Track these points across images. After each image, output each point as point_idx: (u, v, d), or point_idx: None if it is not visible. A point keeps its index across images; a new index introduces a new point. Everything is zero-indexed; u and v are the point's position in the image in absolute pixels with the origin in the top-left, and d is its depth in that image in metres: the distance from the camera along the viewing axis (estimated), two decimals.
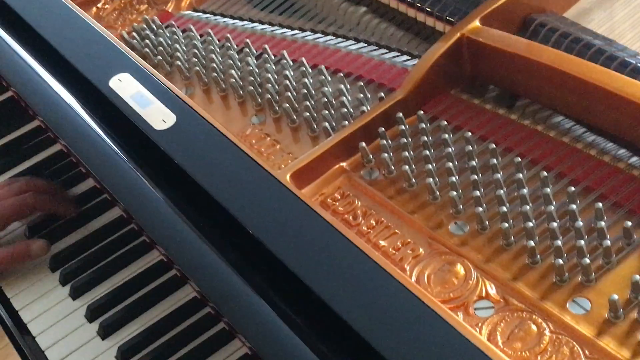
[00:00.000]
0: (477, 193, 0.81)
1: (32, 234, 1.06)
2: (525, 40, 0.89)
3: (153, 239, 0.92)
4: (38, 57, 1.06)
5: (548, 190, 0.79)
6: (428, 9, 1.02)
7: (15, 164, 1.19)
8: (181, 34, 1.12)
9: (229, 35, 1.08)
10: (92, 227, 1.06)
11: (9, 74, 1.10)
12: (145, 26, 1.14)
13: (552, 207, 0.78)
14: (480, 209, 0.80)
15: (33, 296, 1.01)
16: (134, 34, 1.13)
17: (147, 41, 1.11)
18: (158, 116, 0.89)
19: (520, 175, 0.81)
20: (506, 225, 0.78)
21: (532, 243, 0.76)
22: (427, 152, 0.86)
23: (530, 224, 0.77)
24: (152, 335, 0.94)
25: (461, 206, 0.82)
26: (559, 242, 0.75)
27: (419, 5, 1.03)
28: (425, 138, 0.88)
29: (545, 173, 0.80)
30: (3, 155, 1.22)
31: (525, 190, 0.80)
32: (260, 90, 1.00)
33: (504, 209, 0.79)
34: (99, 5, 1.20)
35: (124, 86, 0.93)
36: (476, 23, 0.92)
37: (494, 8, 0.93)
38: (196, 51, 1.07)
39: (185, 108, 0.90)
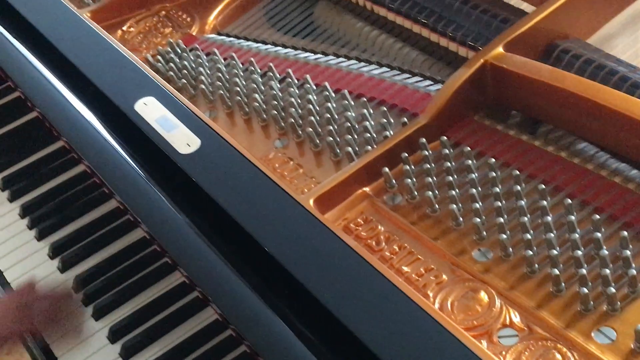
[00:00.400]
0: (501, 220, 0.81)
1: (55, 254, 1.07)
2: (548, 67, 0.90)
3: (176, 261, 0.92)
4: (64, 79, 1.08)
5: (572, 218, 0.79)
6: (451, 34, 1.03)
7: (39, 184, 1.21)
8: (205, 57, 1.14)
9: (252, 59, 1.10)
10: (114, 248, 1.07)
11: (36, 95, 1.12)
12: (169, 49, 1.16)
13: (577, 235, 0.78)
14: (504, 236, 0.80)
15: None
16: (159, 57, 1.15)
17: (171, 64, 1.12)
18: (183, 140, 0.90)
19: (544, 203, 0.81)
20: (530, 252, 0.78)
21: (556, 271, 0.76)
22: (450, 178, 0.87)
23: (555, 251, 0.77)
24: (173, 357, 0.94)
25: (485, 233, 0.82)
26: (584, 271, 0.75)
27: (442, 30, 1.04)
28: (449, 164, 0.88)
29: (569, 200, 0.81)
30: (27, 175, 1.23)
31: (549, 218, 0.80)
32: (283, 114, 1.02)
33: (528, 236, 0.79)
34: (124, 28, 1.22)
35: (150, 110, 0.95)
36: (500, 49, 0.93)
37: (517, 34, 0.93)
38: (220, 75, 1.08)
39: (210, 132, 0.91)
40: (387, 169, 0.89)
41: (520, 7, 1.04)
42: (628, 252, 0.75)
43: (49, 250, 1.11)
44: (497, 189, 0.84)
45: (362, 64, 1.08)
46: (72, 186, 1.19)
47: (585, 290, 0.74)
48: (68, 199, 1.18)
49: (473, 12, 1.03)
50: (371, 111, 0.98)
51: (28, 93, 1.14)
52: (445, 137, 0.91)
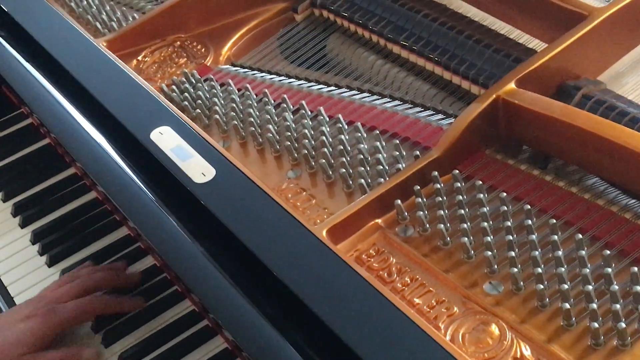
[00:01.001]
0: (512, 253, 0.83)
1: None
2: (560, 104, 0.92)
3: (189, 289, 0.94)
4: (81, 107, 1.11)
5: (583, 252, 0.81)
6: (463, 72, 1.06)
7: (50, 211, 1.23)
8: (219, 87, 1.16)
9: (266, 90, 1.12)
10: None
11: (52, 122, 1.14)
12: (184, 79, 1.18)
13: (587, 270, 0.79)
14: (515, 269, 0.82)
15: None
16: (174, 86, 1.17)
17: (186, 94, 1.15)
18: (198, 169, 0.92)
19: (555, 237, 0.83)
20: (541, 286, 0.80)
21: (567, 305, 0.78)
22: (462, 211, 0.88)
23: (566, 286, 0.79)
24: None
25: (496, 266, 0.84)
26: (594, 305, 0.77)
27: (455, 68, 1.07)
28: (460, 197, 0.90)
29: (580, 235, 0.82)
30: (39, 202, 1.26)
31: (560, 252, 0.82)
32: (296, 145, 1.04)
33: (539, 270, 0.81)
34: (139, 57, 1.24)
35: (165, 139, 0.97)
36: (512, 85, 0.95)
37: (529, 71, 0.96)
38: (234, 105, 1.11)
39: (225, 162, 0.93)
40: (399, 201, 0.91)
41: (529, 45, 1.07)
42: (639, 288, 0.77)
43: (60, 276, 1.13)
44: (509, 223, 0.86)
45: (375, 96, 1.11)
46: (84, 213, 1.22)
47: (596, 324, 0.75)
48: (79, 225, 1.20)
49: (485, 51, 1.06)
50: (384, 144, 1.00)
51: (44, 120, 1.17)
52: (457, 171, 0.93)
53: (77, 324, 1.02)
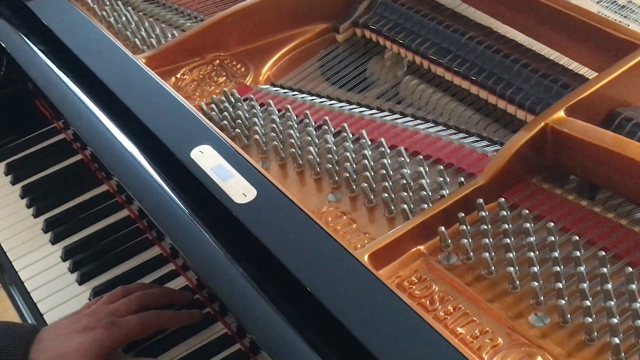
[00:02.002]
0: (559, 285, 0.84)
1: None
2: (611, 133, 0.94)
3: (229, 310, 0.95)
4: (120, 123, 1.13)
5: (633, 286, 0.82)
6: (509, 97, 1.08)
7: (82, 228, 1.26)
8: (259, 108, 1.19)
9: (307, 111, 1.15)
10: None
11: (90, 137, 1.17)
12: (224, 98, 1.21)
13: (638, 305, 0.81)
14: (562, 301, 0.83)
15: None
16: (213, 105, 1.20)
17: (225, 113, 1.18)
18: (239, 189, 0.95)
19: (604, 270, 0.84)
20: (589, 320, 0.81)
21: (616, 340, 0.79)
22: (508, 240, 0.90)
23: (615, 320, 0.80)
24: None
25: (542, 297, 0.85)
26: None
27: (500, 92, 1.09)
28: (506, 226, 0.92)
29: (630, 269, 0.84)
30: (69, 219, 1.29)
31: (609, 285, 0.83)
32: (337, 168, 1.06)
33: (587, 303, 0.82)
34: (178, 75, 1.28)
35: (205, 158, 1.00)
36: (561, 113, 0.97)
37: (579, 99, 0.98)
38: (274, 125, 1.14)
39: (266, 183, 0.96)
40: (442, 228, 0.93)
41: (579, 71, 1.09)
42: None
43: (90, 295, 1.16)
44: (556, 254, 0.87)
45: (418, 121, 1.13)
46: (116, 231, 1.24)
47: None
48: (111, 243, 1.23)
49: (533, 75, 1.08)
50: (427, 169, 1.02)
51: (83, 135, 1.20)
52: (503, 199, 0.95)
53: (137, 338, 1.04)
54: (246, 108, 1.19)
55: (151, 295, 1.07)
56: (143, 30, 1.36)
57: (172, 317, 1.06)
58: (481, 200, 0.94)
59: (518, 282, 0.87)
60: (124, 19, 1.40)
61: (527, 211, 0.93)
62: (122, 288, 1.09)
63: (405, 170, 1.02)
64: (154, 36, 1.34)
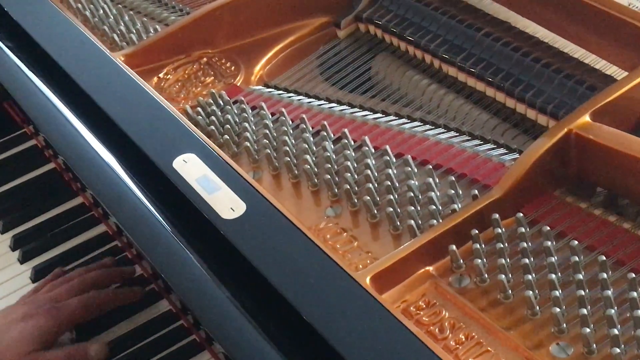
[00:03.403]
0: (584, 311, 0.84)
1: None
2: None
3: (214, 338, 0.95)
4: (94, 129, 1.14)
5: None
6: (529, 100, 1.07)
7: (54, 245, 1.26)
8: (250, 111, 1.19)
9: (304, 115, 1.15)
10: (139, 319, 1.12)
11: (61, 143, 1.18)
12: (211, 101, 1.21)
13: None
14: (588, 329, 0.82)
15: None
16: (199, 109, 1.20)
17: (213, 118, 1.18)
18: (226, 203, 0.95)
19: (635, 294, 0.84)
20: (617, 350, 0.81)
21: None
22: (527, 261, 0.90)
23: None
24: None
25: (565, 325, 0.85)
26: None
27: (520, 95, 1.09)
28: (525, 244, 0.91)
29: None
30: (40, 235, 1.29)
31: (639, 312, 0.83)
32: (337, 179, 1.06)
33: (615, 331, 0.82)
34: (161, 75, 1.28)
35: (189, 168, 1.00)
36: (586, 118, 0.97)
37: (606, 102, 0.97)
38: (267, 131, 1.14)
39: (256, 196, 0.96)
40: (454, 247, 0.92)
41: (607, 71, 1.09)
42: None
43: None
44: (580, 276, 0.87)
45: (427, 126, 1.13)
46: (92, 249, 1.24)
47: None
48: (87, 263, 1.22)
49: (555, 76, 1.08)
50: (437, 180, 1.02)
51: (52, 141, 1.20)
52: (521, 214, 0.94)
53: (82, 321, 1.09)
54: (236, 112, 1.19)
55: (91, 279, 1.12)
56: (122, 24, 1.37)
57: (114, 295, 1.12)
58: (497, 215, 0.94)
59: (538, 308, 0.87)
60: (100, 12, 1.40)
61: (549, 228, 0.92)
62: (59, 279, 1.14)
63: (412, 182, 1.02)
64: (134, 31, 1.35)
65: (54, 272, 1.17)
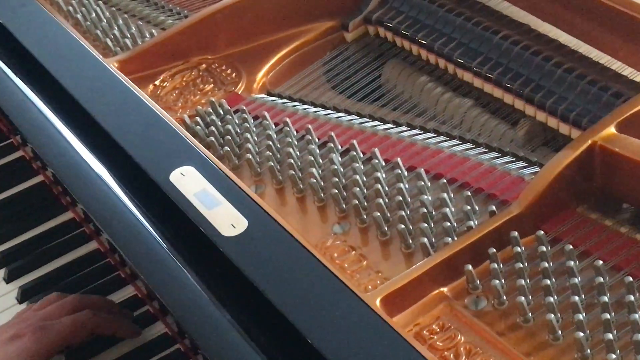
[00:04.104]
0: (610, 336, 0.84)
1: None
2: None
3: None
4: (84, 138, 1.14)
5: None
6: (550, 107, 1.08)
7: (43, 263, 1.26)
8: (253, 121, 1.20)
9: (309, 126, 1.15)
10: (134, 343, 1.12)
11: (50, 154, 1.18)
12: (210, 110, 1.22)
13: None
14: (613, 355, 0.83)
15: None
16: (198, 118, 1.21)
17: (212, 128, 1.18)
18: (227, 220, 0.95)
19: None
20: None
21: None
22: (548, 282, 0.90)
23: None
24: None
25: (589, 350, 0.85)
26: None
27: (540, 102, 1.09)
28: (546, 264, 0.92)
29: None
30: (27, 252, 1.29)
31: None
32: (345, 193, 1.06)
33: None
34: (157, 82, 1.28)
35: (188, 181, 1.00)
36: (611, 129, 0.97)
37: (633, 112, 0.98)
38: (270, 143, 1.14)
39: (259, 212, 0.96)
40: (470, 267, 0.92)
41: (634, 78, 1.09)
42: None
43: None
44: (606, 298, 0.87)
45: (441, 137, 1.13)
46: (83, 267, 1.25)
47: None
48: (77, 282, 1.23)
49: (579, 82, 1.08)
50: (452, 195, 1.02)
51: (41, 152, 1.20)
52: (542, 232, 0.94)
53: (73, 342, 1.08)
54: (237, 121, 1.20)
55: (88, 300, 1.12)
56: (116, 28, 1.37)
57: (110, 320, 1.11)
58: (516, 233, 0.94)
59: (560, 332, 0.87)
60: (93, 15, 1.41)
61: (571, 246, 0.93)
62: (56, 294, 1.14)
63: (425, 197, 1.02)
64: (128, 35, 1.36)
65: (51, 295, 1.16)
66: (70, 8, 1.43)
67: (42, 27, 1.31)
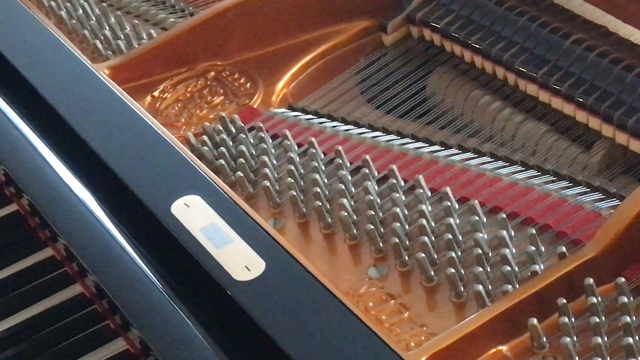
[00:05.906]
0: None
1: None
2: None
3: None
4: (68, 160, 1.15)
5: None
6: (633, 128, 1.08)
7: (19, 308, 1.26)
8: (271, 141, 1.20)
9: (339, 147, 1.16)
10: None
11: (26, 178, 1.19)
12: (220, 127, 1.23)
13: None
14: None
15: None
16: (205, 137, 1.21)
17: (222, 149, 1.19)
18: (239, 261, 0.95)
19: None
20: None
21: None
22: (630, 340, 0.89)
23: None
24: None
25: None
26: None
27: (620, 120, 1.09)
28: (628, 318, 0.91)
29: None
30: (7, 292, 1.29)
31: None
32: (382, 230, 1.06)
33: None
34: (156, 93, 1.29)
35: (192, 214, 1.01)
36: None
37: None
38: (292, 167, 1.14)
39: (279, 251, 0.96)
40: (535, 321, 0.92)
41: None
42: None
43: None
44: None
45: (499, 163, 1.14)
46: (65, 315, 1.25)
47: None
48: (57, 334, 1.23)
49: None
50: (512, 233, 1.02)
51: (16, 176, 1.21)
52: (622, 279, 0.94)
53: None
54: (252, 141, 1.21)
55: None
56: (107, 28, 1.38)
57: None
58: (591, 280, 0.94)
59: None
60: (80, 12, 1.42)
61: None
62: None
63: (480, 235, 1.02)
64: (122, 37, 1.37)
65: None
66: (53, 3, 1.45)
67: (18, 26, 1.33)
